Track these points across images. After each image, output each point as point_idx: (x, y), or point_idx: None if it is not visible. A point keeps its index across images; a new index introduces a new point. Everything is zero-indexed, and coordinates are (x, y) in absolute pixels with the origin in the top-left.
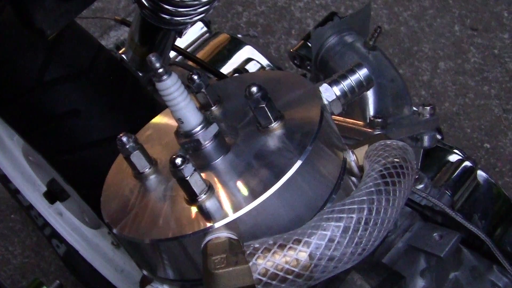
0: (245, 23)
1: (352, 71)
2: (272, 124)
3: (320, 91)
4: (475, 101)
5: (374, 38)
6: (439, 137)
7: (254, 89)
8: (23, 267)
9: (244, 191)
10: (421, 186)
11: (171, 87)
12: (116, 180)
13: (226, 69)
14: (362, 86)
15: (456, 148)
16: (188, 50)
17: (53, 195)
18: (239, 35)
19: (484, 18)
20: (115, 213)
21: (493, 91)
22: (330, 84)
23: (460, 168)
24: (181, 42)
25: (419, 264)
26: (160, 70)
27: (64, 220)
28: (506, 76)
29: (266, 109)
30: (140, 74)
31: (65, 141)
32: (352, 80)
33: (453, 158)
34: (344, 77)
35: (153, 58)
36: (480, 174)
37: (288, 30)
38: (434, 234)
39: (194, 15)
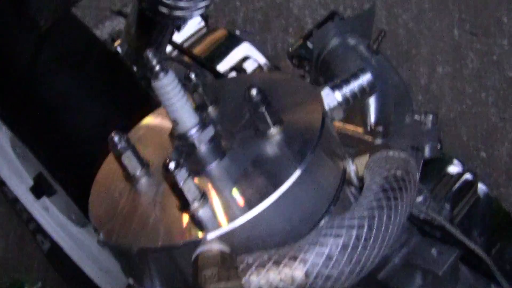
0: (242, 19)
1: (355, 76)
2: (271, 130)
3: (321, 95)
4: (472, 108)
5: (378, 42)
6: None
7: (253, 91)
8: (6, 262)
9: (240, 200)
10: (420, 199)
11: (168, 86)
12: (106, 181)
13: (223, 66)
14: (364, 92)
15: (456, 159)
16: (185, 45)
17: (39, 190)
18: (237, 31)
19: (484, 22)
20: (103, 217)
21: (490, 98)
22: (332, 89)
23: (461, 181)
24: (178, 37)
25: (415, 281)
26: (157, 68)
27: (50, 216)
28: (504, 83)
29: (266, 113)
30: (135, 68)
31: (54, 135)
32: (355, 85)
33: (453, 169)
34: (346, 82)
35: (150, 55)
36: (481, 187)
37: (286, 27)
38: (432, 250)
39: (194, 9)
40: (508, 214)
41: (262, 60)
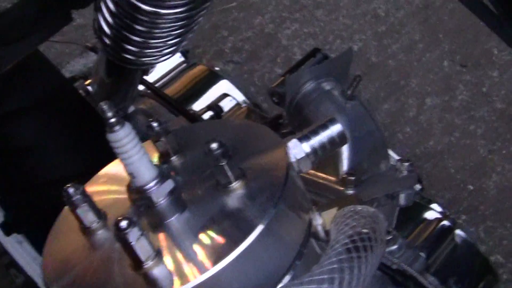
0: (230, 49)
1: (325, 127)
2: (233, 184)
3: (288, 147)
4: (460, 140)
5: (352, 88)
6: (419, 186)
7: (214, 145)
8: None
9: (197, 258)
10: (394, 247)
11: (124, 138)
12: (61, 233)
13: (200, 104)
14: (334, 143)
15: (435, 203)
16: (163, 81)
17: (9, 226)
18: (217, 68)
19: (474, 54)
20: (55, 273)
21: (479, 131)
22: (300, 140)
23: (437, 227)
24: (155, 73)
25: None
26: (112, 120)
27: (24, 250)
28: (493, 116)
29: (226, 168)
30: None
31: (15, 179)
32: (324, 136)
33: (430, 215)
34: (315, 132)
35: (104, 107)
36: (458, 233)
37: (274, 57)
38: None
39: (159, 56)
40: (486, 260)
41: (240, 98)
